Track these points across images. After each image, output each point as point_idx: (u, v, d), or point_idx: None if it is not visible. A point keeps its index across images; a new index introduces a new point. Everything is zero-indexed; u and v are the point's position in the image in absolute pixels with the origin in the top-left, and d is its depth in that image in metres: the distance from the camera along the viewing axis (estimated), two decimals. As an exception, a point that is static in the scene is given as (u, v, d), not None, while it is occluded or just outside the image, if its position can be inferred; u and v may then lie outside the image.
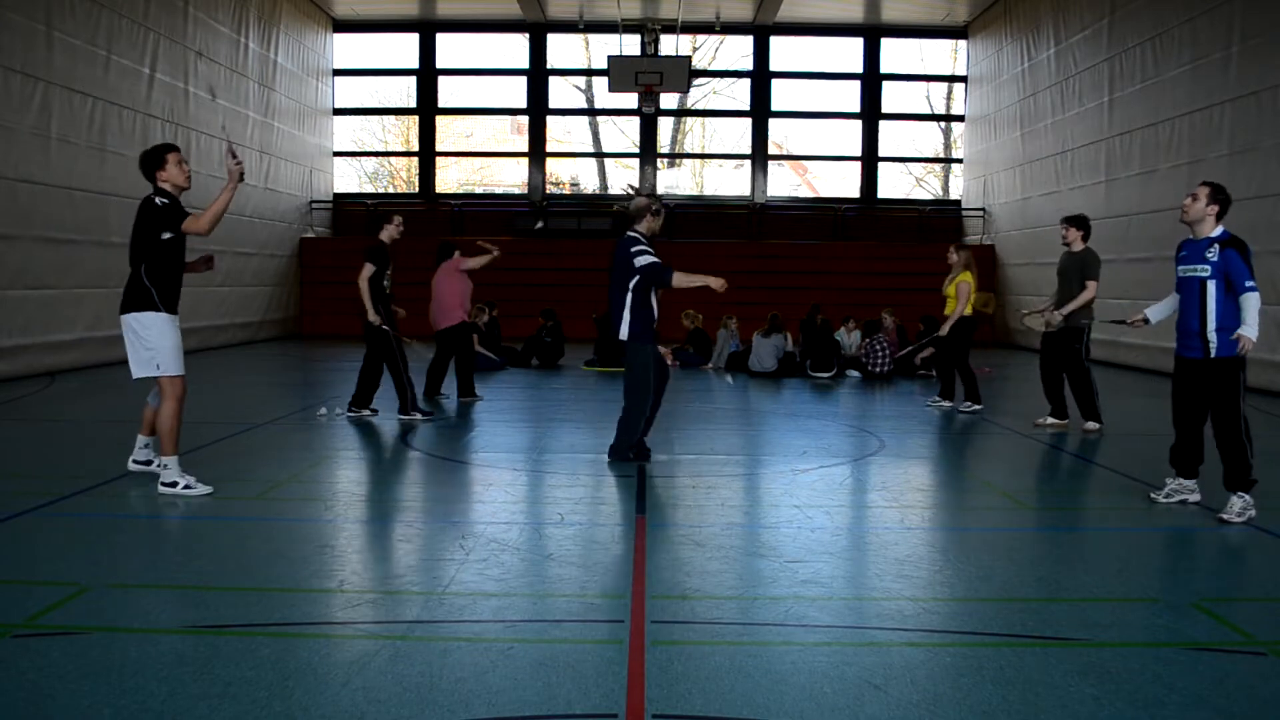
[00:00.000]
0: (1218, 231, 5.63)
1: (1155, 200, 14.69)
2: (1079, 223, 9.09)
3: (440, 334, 10.39)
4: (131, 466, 6.25)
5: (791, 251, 21.84)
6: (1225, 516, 5.54)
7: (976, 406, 10.07)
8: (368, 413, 9.08)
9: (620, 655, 3.47)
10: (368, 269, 8.90)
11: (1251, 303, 5.45)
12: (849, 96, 23.39)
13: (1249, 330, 5.46)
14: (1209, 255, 5.57)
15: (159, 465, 6.10)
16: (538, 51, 22.99)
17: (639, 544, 4.92)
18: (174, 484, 5.79)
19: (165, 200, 5.79)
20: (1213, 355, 5.58)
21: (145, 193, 5.92)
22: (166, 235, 5.74)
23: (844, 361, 13.80)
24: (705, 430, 9.02)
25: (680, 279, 6.78)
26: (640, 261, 6.78)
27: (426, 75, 23.22)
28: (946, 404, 10.46)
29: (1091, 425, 8.78)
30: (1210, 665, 3.48)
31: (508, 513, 5.68)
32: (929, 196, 25.82)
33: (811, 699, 3.14)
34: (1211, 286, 5.55)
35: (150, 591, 4.18)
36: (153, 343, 5.77)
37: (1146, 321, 6.19)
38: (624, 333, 6.92)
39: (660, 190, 23.44)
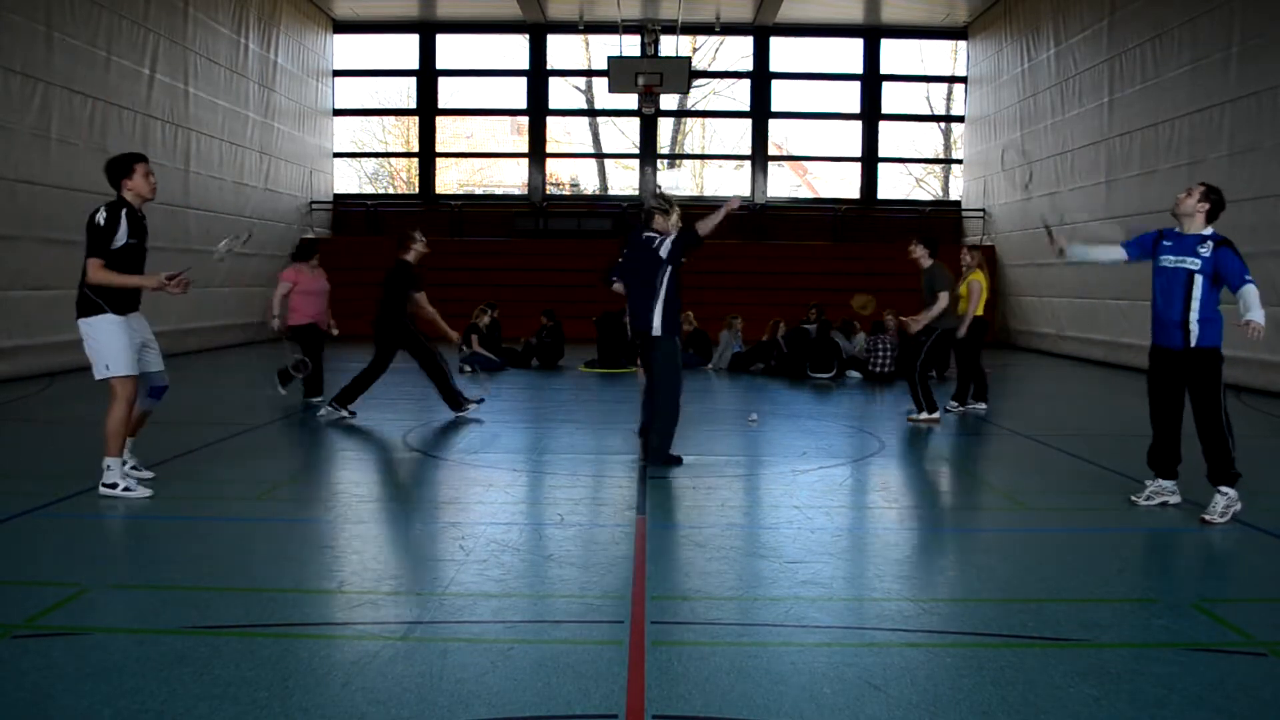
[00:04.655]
0: (1210, 231, 5.67)
1: (1155, 201, 14.67)
2: (926, 241, 9.69)
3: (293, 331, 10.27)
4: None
5: (791, 252, 21.84)
6: (1207, 517, 5.52)
7: (982, 406, 10.12)
8: (472, 407, 9.21)
9: (620, 656, 3.47)
10: (421, 298, 9.00)
11: (1253, 293, 5.43)
12: (849, 97, 23.40)
13: (1256, 314, 5.40)
14: (1201, 250, 5.59)
15: (131, 466, 6.14)
16: (538, 52, 23.00)
17: (639, 544, 4.92)
18: (114, 485, 5.73)
19: (106, 215, 5.65)
20: (1193, 345, 5.58)
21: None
22: (115, 244, 5.66)
23: (844, 362, 13.78)
24: (705, 431, 9.01)
25: (704, 226, 6.95)
26: (665, 250, 6.92)
27: (426, 76, 23.22)
28: (963, 407, 10.25)
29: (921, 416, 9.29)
30: (1210, 665, 3.48)
31: (508, 513, 5.68)
32: (929, 197, 25.83)
33: (811, 699, 3.14)
34: (1199, 280, 5.56)
35: (150, 591, 4.18)
36: (101, 344, 5.75)
37: (1062, 252, 6.12)
38: (657, 328, 6.99)
39: (662, 188, 23.43)
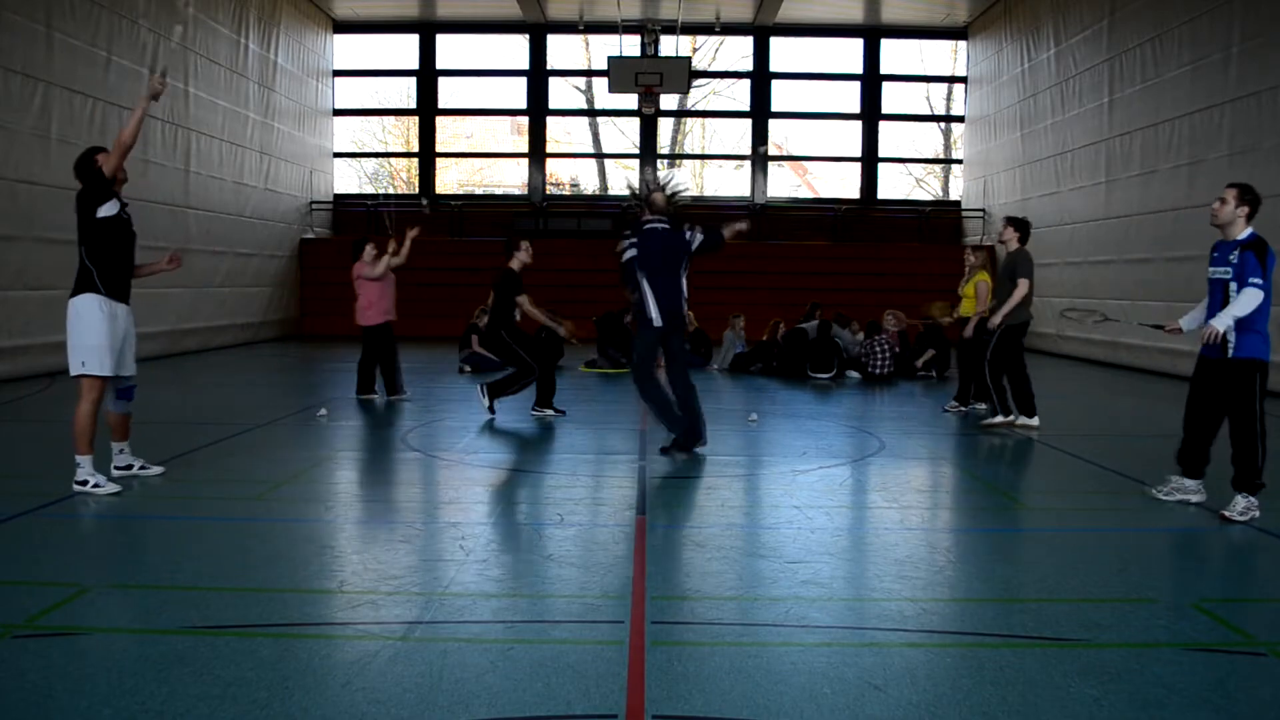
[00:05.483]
0: (1246, 234, 5.65)
1: (1155, 201, 14.68)
2: (1017, 224, 9.23)
3: (364, 332, 10.44)
4: (114, 474, 6.13)
5: (791, 252, 21.83)
6: (1227, 514, 5.54)
7: (984, 406, 10.08)
8: (551, 412, 9.30)
9: (620, 656, 3.47)
10: (524, 300, 9.22)
11: (1245, 297, 5.45)
12: (849, 97, 23.40)
13: (1220, 320, 5.48)
14: (1232, 258, 5.61)
15: (139, 467, 6.29)
16: (538, 52, 23.00)
17: (639, 544, 4.92)
18: (85, 482, 5.79)
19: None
20: (1230, 355, 5.59)
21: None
22: (103, 213, 5.78)
23: (844, 362, 13.76)
24: (706, 431, 9.00)
25: (726, 232, 7.49)
26: (697, 243, 7.35)
27: (426, 76, 23.22)
28: (964, 407, 10.17)
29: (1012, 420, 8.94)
30: (1210, 665, 3.48)
31: (508, 513, 5.68)
32: (929, 197, 25.82)
33: (811, 699, 3.14)
34: (1234, 289, 5.57)
35: (150, 591, 4.18)
36: (83, 338, 5.76)
37: (1180, 330, 6.19)
38: (684, 312, 7.45)
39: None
